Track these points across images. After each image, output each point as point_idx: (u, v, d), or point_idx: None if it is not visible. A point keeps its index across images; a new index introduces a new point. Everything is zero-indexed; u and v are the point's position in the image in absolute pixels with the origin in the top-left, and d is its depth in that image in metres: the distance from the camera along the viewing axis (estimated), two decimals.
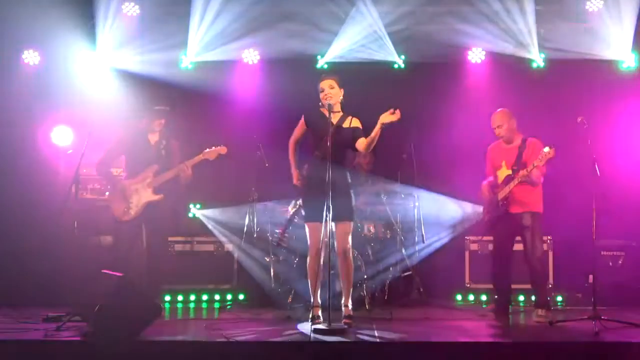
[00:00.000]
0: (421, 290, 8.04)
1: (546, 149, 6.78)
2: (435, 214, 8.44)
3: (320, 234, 6.31)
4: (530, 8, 8.80)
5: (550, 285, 8.22)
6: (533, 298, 7.32)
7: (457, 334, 6.17)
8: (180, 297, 8.37)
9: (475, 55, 9.16)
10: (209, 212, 8.89)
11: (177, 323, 6.97)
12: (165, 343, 5.67)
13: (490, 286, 7.56)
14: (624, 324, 6.32)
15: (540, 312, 6.93)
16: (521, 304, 8.18)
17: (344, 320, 6.30)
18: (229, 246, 8.49)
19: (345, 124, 6.51)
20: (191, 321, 7.16)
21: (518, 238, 7.18)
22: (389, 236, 8.23)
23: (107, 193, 8.08)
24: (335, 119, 6.38)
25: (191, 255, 8.58)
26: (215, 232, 8.66)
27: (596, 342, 5.72)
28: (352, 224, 6.53)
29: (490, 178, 7.33)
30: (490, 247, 7.77)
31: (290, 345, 5.66)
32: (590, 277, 7.27)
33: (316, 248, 6.42)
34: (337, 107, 6.44)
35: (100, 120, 8.16)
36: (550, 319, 6.71)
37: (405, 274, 8.13)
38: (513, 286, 7.42)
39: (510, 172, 7.08)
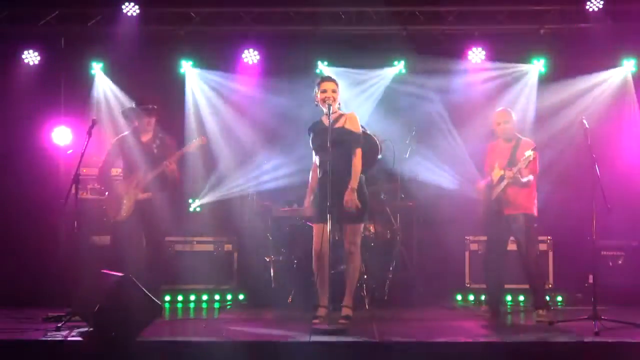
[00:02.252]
0: (421, 290, 8.05)
1: (528, 153, 6.83)
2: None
3: (326, 235, 6.32)
4: None
5: (550, 285, 8.23)
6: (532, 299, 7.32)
7: (457, 334, 6.17)
8: (180, 297, 8.37)
9: (476, 56, 9.17)
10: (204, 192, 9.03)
11: (177, 323, 6.97)
12: (165, 343, 5.67)
13: None
14: (624, 324, 6.32)
15: (540, 312, 6.94)
16: (521, 304, 8.19)
17: (340, 320, 6.29)
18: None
19: (339, 124, 6.50)
20: (191, 321, 7.15)
21: (512, 238, 7.19)
22: (389, 236, 8.24)
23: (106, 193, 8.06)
24: (330, 120, 6.41)
25: (191, 255, 8.58)
26: (223, 194, 8.84)
27: (596, 342, 5.72)
28: (361, 225, 6.53)
29: (489, 178, 7.33)
30: None
31: (290, 346, 5.65)
32: (590, 277, 7.26)
33: (322, 248, 6.39)
34: (333, 109, 6.45)
35: (99, 120, 8.16)
36: (551, 319, 6.72)
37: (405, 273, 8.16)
38: (513, 286, 7.43)
39: (502, 172, 7.08)
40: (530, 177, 7.01)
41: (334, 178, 6.15)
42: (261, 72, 9.28)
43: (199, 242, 8.65)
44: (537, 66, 9.16)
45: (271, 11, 9.16)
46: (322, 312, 6.36)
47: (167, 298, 8.28)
